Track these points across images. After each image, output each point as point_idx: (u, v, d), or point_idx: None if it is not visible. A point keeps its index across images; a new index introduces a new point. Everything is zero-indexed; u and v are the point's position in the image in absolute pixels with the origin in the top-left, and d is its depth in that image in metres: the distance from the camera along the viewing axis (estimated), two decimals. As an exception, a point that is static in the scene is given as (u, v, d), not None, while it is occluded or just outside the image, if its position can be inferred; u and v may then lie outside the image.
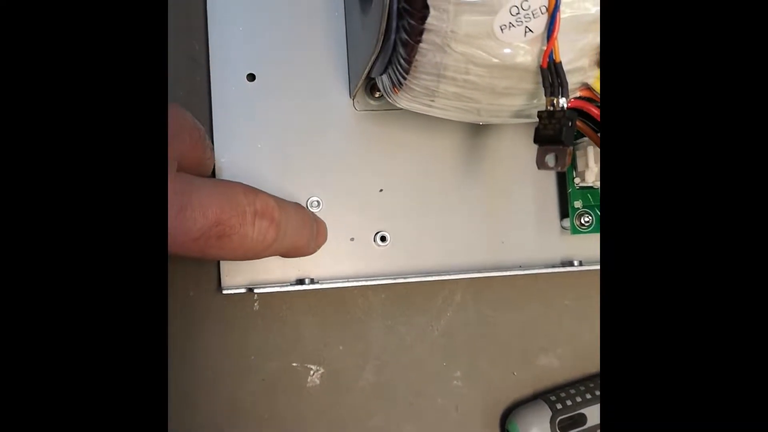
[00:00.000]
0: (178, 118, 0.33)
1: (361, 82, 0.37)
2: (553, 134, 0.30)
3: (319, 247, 0.40)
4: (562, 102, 0.30)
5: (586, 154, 0.40)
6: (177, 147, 0.31)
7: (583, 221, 0.42)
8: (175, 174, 0.30)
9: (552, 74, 0.30)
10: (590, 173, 0.40)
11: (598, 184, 0.41)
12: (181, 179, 0.30)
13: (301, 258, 0.41)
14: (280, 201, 0.34)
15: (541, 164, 0.31)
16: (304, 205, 0.41)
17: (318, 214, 0.41)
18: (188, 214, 0.29)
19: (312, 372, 0.43)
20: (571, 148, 0.31)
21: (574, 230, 0.42)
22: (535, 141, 0.31)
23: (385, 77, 0.35)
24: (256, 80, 0.41)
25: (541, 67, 0.30)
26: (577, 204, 0.42)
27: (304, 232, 0.37)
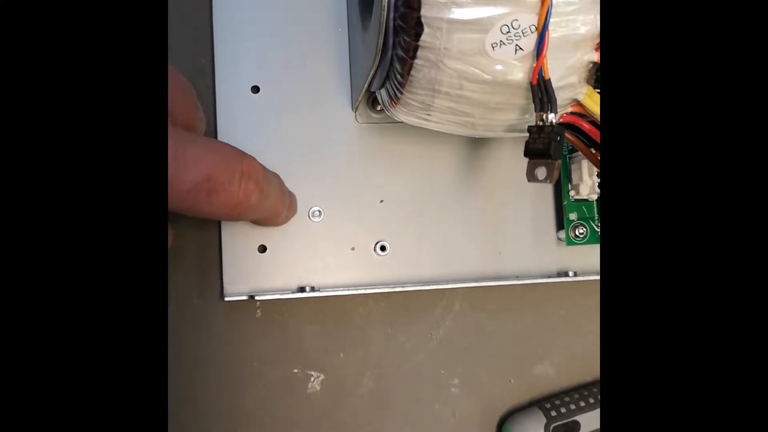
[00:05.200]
0: (171, 74, 0.34)
1: (361, 95, 0.38)
2: (542, 148, 0.31)
3: (288, 219, 0.41)
4: (551, 117, 0.31)
5: (580, 168, 0.41)
6: (170, 101, 0.32)
7: (577, 233, 0.43)
8: (169, 125, 0.30)
9: (541, 90, 0.31)
10: (585, 186, 0.41)
11: (592, 196, 0.42)
12: (175, 132, 0.30)
13: (303, 266, 0.42)
14: (263, 167, 0.35)
15: (530, 177, 0.32)
16: (306, 215, 0.42)
17: (319, 224, 0.42)
18: (181, 165, 0.30)
19: (313, 378, 0.44)
20: (560, 161, 0.32)
21: (569, 242, 0.43)
22: (525, 154, 0.32)
23: (383, 91, 0.36)
24: (260, 92, 0.42)
25: (531, 84, 0.31)
26: (572, 216, 0.43)
27: (282, 200, 0.38)
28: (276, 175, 0.38)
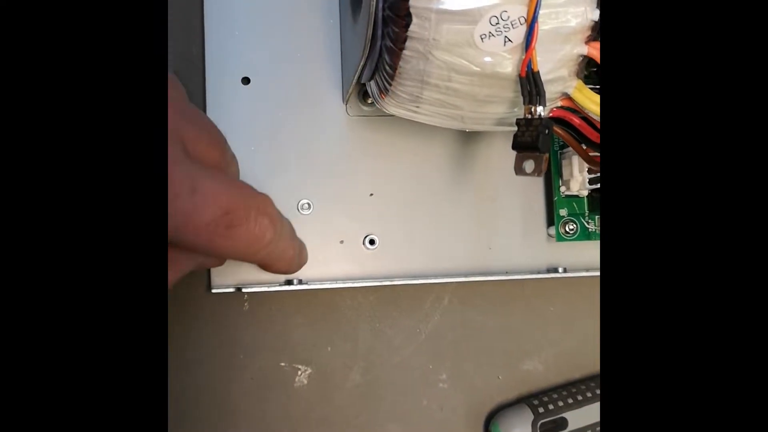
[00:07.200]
0: (196, 114, 0.34)
1: (352, 87, 0.38)
2: (530, 141, 0.31)
3: (300, 266, 0.40)
4: (540, 110, 0.31)
5: (571, 164, 0.41)
6: (192, 137, 0.32)
7: (567, 229, 0.43)
8: (185, 158, 0.30)
9: (530, 83, 0.30)
10: (575, 182, 0.41)
11: (583, 192, 0.42)
12: (192, 164, 0.30)
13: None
14: (276, 208, 0.35)
15: (518, 170, 0.32)
16: (296, 208, 0.42)
17: (308, 217, 0.42)
18: (199, 198, 0.29)
19: (300, 372, 0.43)
20: (548, 155, 0.32)
21: (559, 238, 0.43)
22: (514, 147, 0.32)
23: (373, 83, 0.36)
24: (250, 84, 0.42)
25: (519, 76, 0.31)
26: (563, 212, 0.43)
27: (294, 244, 0.38)
28: (287, 220, 0.37)
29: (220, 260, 0.39)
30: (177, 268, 0.34)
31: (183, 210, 0.29)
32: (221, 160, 0.34)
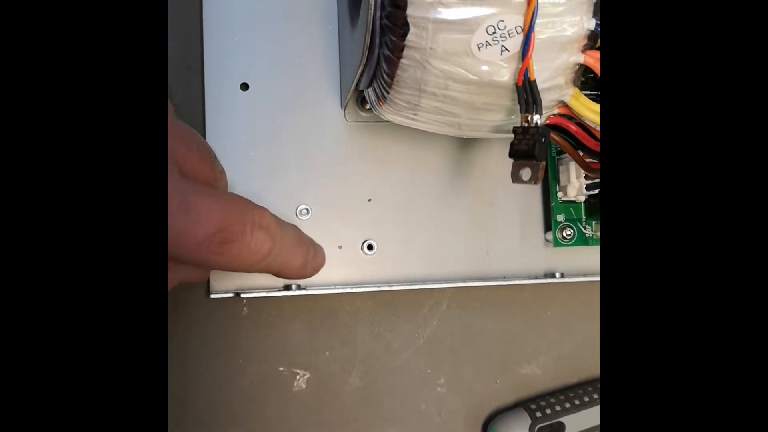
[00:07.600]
0: (185, 131, 0.33)
1: (350, 94, 0.38)
2: (527, 149, 0.31)
3: (316, 271, 0.39)
4: (536, 119, 0.31)
5: (568, 170, 0.41)
6: (183, 155, 0.32)
7: (565, 234, 0.43)
8: (179, 177, 0.30)
9: (527, 92, 0.31)
10: (572, 188, 0.41)
11: (580, 198, 0.42)
12: (186, 182, 0.30)
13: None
14: (276, 218, 0.34)
15: (515, 178, 0.32)
16: (294, 213, 0.42)
17: (307, 222, 0.42)
18: (193, 216, 0.29)
19: (298, 376, 0.44)
20: (544, 163, 0.32)
21: (557, 243, 0.43)
22: (510, 155, 0.32)
23: (371, 90, 0.36)
24: (249, 89, 0.42)
25: (516, 85, 0.31)
26: (560, 218, 0.43)
27: (299, 252, 0.37)
28: (292, 226, 0.37)
29: (205, 274, 0.39)
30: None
31: (176, 228, 0.29)
32: (211, 175, 0.34)
